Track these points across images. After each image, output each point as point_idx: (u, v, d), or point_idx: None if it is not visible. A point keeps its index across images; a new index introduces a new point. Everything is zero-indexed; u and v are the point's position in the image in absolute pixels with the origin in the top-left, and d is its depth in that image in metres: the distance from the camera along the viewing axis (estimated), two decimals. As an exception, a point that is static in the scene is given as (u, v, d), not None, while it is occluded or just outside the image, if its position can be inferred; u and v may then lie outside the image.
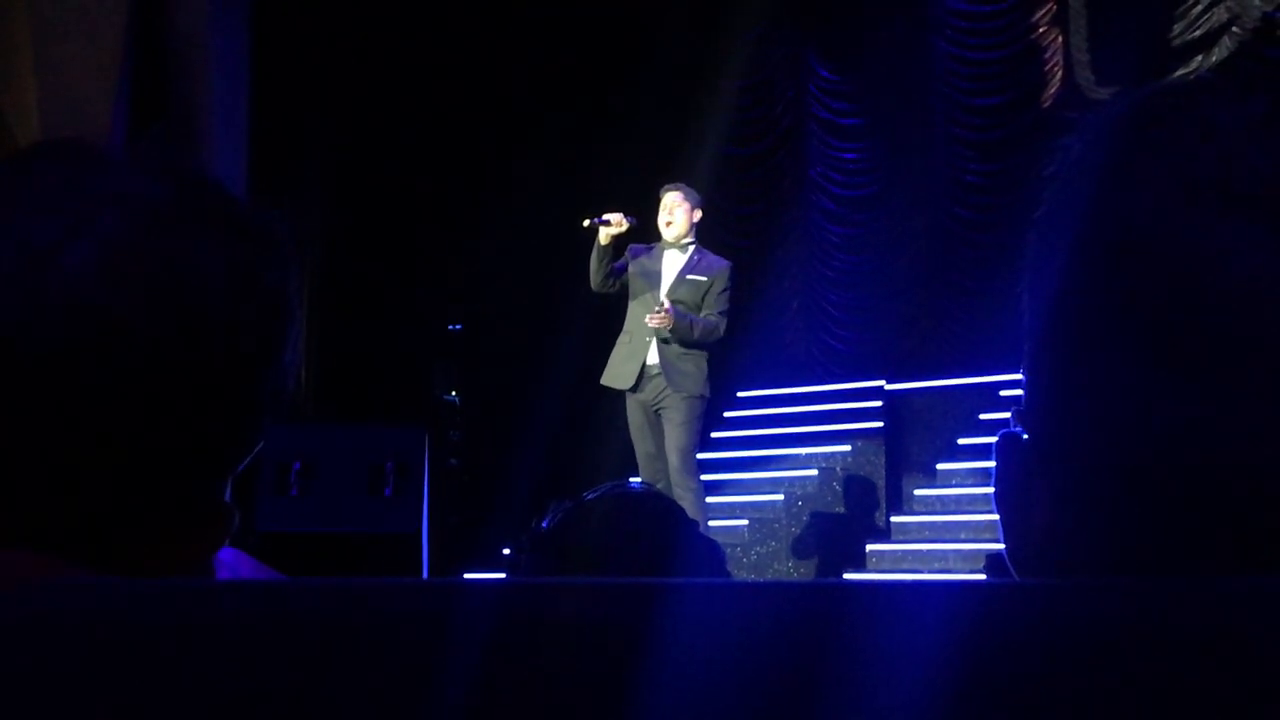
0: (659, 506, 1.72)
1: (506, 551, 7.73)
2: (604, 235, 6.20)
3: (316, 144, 9.41)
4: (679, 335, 6.20)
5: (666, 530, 1.67)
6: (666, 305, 6.16)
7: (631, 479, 7.28)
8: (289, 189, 9.05)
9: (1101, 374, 0.61)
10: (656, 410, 6.29)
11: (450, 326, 9.70)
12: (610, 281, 6.34)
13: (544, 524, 1.71)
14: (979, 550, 7.06)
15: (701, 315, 6.32)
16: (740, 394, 9.82)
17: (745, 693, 0.50)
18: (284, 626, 0.55)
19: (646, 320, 6.20)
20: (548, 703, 0.51)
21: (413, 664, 0.53)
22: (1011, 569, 0.70)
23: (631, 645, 0.52)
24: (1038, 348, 0.67)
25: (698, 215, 6.42)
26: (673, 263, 6.39)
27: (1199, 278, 0.58)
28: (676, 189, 6.41)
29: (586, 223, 6.21)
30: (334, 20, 9.15)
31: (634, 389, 6.29)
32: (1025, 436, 0.68)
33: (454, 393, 9.64)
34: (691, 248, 6.40)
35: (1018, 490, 0.69)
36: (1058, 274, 0.64)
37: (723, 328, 6.39)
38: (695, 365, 6.28)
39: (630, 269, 6.37)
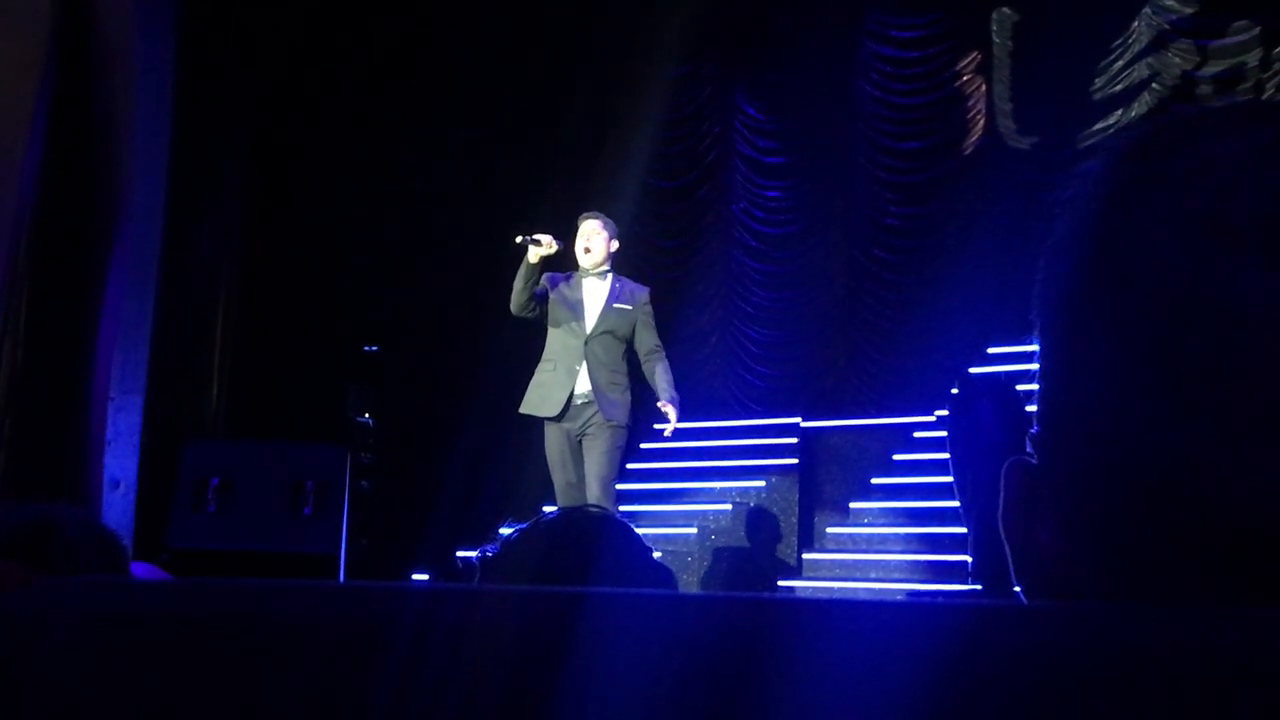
0: (612, 529, 1.70)
1: (419, 576, 7.65)
2: (533, 254, 6.14)
3: (236, 160, 9.31)
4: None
5: (619, 553, 1.66)
6: (671, 411, 6.37)
7: (546, 508, 7.24)
8: (208, 205, 8.94)
9: (1105, 401, 0.62)
10: (580, 438, 6.27)
11: (365, 348, 9.61)
12: (531, 305, 6.28)
13: (493, 550, 1.70)
14: (890, 589, 7.11)
15: (644, 353, 6.47)
16: (656, 425, 9.80)
17: (664, 698, 0.51)
18: (201, 627, 0.57)
19: (665, 433, 6.41)
20: (469, 709, 0.52)
21: (338, 666, 0.53)
22: (1020, 589, 0.71)
23: (548, 653, 0.52)
24: (1045, 376, 0.68)
25: (615, 245, 6.42)
26: (595, 291, 6.37)
27: (1196, 308, 0.59)
28: (595, 217, 6.41)
29: (519, 239, 6.15)
30: (260, 36, 9.08)
31: (559, 418, 6.26)
32: (1034, 461, 0.69)
33: (367, 415, 9.53)
34: (610, 276, 6.41)
35: (1021, 514, 0.70)
36: (1063, 301, 0.66)
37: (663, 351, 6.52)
38: (623, 395, 6.30)
39: (550, 296, 6.33)
